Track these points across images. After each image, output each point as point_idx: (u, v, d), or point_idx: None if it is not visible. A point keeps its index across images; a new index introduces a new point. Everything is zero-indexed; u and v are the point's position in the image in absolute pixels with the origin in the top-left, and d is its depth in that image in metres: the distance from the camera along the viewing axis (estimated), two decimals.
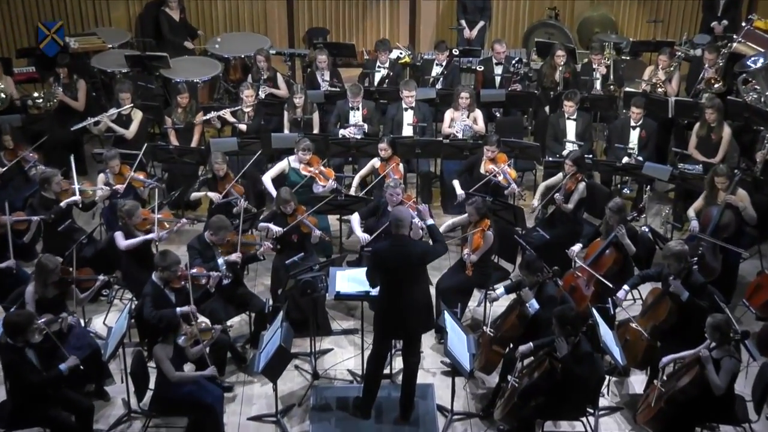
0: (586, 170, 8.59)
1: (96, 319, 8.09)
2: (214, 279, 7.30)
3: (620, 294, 7.21)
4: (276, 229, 7.88)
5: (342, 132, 9.73)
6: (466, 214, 7.93)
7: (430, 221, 6.89)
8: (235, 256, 7.53)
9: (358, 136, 9.65)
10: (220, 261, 7.46)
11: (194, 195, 8.66)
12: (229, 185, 8.50)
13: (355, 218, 8.16)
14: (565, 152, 9.35)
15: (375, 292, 6.87)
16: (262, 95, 10.18)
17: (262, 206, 9.04)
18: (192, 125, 9.78)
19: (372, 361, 6.88)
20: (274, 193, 8.63)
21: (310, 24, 12.69)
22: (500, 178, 8.68)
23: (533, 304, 6.93)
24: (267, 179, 8.81)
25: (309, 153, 8.73)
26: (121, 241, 7.76)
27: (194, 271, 7.22)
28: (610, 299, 7.31)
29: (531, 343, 6.69)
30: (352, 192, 8.92)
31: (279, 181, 8.85)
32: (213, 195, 8.49)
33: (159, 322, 6.77)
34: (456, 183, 8.88)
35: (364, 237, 7.98)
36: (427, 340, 7.87)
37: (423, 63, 11.15)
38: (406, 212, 6.73)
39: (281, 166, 8.86)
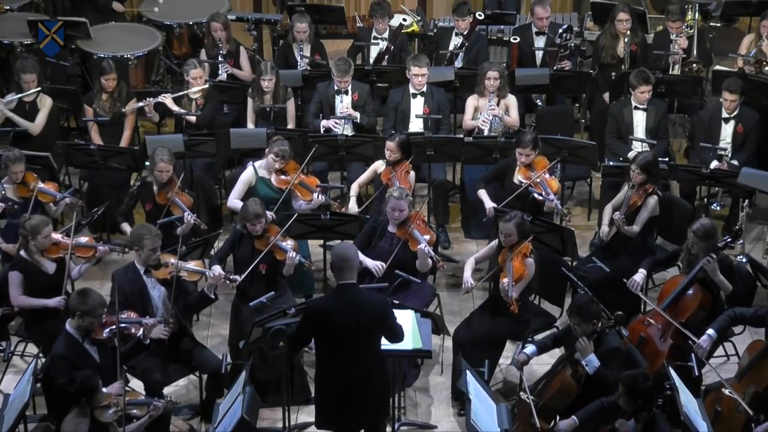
0: (660, 179, 8.67)
1: None
2: (150, 326, 7.36)
3: (703, 341, 7.26)
4: (232, 277, 7.91)
5: (324, 124, 9.83)
6: (493, 242, 8.02)
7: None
8: (159, 331, 7.41)
9: (348, 132, 9.75)
10: (155, 292, 7.53)
11: (124, 228, 8.75)
12: (171, 194, 8.57)
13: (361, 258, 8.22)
14: (631, 154, 9.43)
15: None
16: (223, 75, 10.28)
17: (219, 228, 9.11)
18: (121, 117, 9.88)
19: None
20: None
21: None
22: (539, 190, 8.71)
23: (592, 361, 6.99)
24: (234, 203, 8.77)
25: (282, 161, 8.76)
26: (15, 292, 7.77)
27: (124, 316, 7.29)
28: (693, 356, 7.37)
29: (574, 417, 6.76)
30: (351, 205, 8.95)
31: (245, 195, 8.91)
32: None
33: (68, 385, 6.77)
34: (483, 193, 8.95)
35: (377, 265, 8.02)
36: (443, 410, 7.95)
37: (437, 33, 11.27)
38: (349, 249, 6.72)
39: (246, 179, 8.87)
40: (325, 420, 6.85)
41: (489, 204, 8.84)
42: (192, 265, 7.86)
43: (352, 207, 8.99)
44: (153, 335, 7.37)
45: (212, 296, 7.73)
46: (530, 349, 7.40)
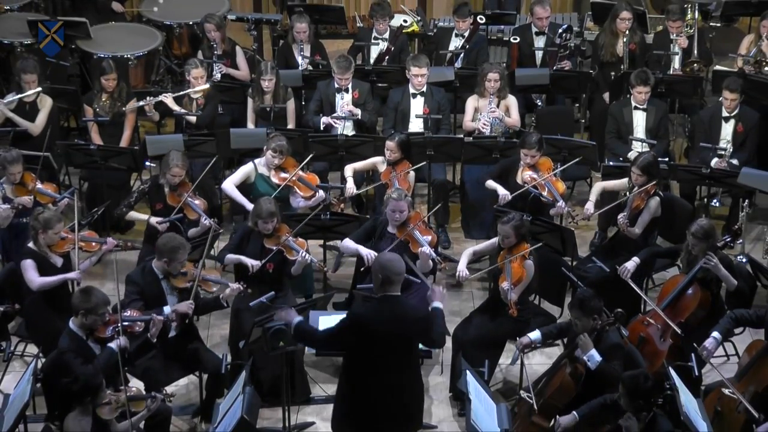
0: (661, 180, 8.69)
1: None
2: (157, 324, 7.36)
3: (709, 344, 7.26)
4: (253, 263, 7.92)
5: (325, 120, 9.85)
6: (495, 239, 8.04)
7: (437, 304, 6.76)
8: (185, 306, 7.50)
9: (348, 131, 9.77)
10: (167, 309, 7.49)
11: (132, 215, 8.77)
12: (185, 196, 8.57)
13: (348, 244, 8.30)
14: (631, 154, 9.46)
15: None
16: (217, 76, 10.31)
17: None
18: (121, 117, 9.90)
19: None
20: (244, 201, 8.73)
21: None
22: (544, 192, 8.74)
23: (593, 356, 7.01)
24: (230, 186, 8.88)
25: (280, 156, 8.83)
26: (34, 276, 7.79)
27: (128, 314, 7.30)
28: (693, 356, 7.39)
29: (575, 413, 6.78)
30: (350, 185, 8.99)
31: (243, 192, 8.96)
32: (155, 220, 8.55)
33: (72, 384, 6.78)
34: (494, 183, 8.94)
35: (369, 253, 8.07)
36: (443, 410, 7.97)
37: (437, 33, 11.29)
38: (398, 262, 6.59)
39: (245, 170, 8.96)
40: (345, 425, 6.75)
41: (502, 191, 8.84)
42: (213, 276, 7.87)
43: (350, 187, 9.03)
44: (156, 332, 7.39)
45: (225, 304, 7.77)
46: (535, 334, 7.40)
